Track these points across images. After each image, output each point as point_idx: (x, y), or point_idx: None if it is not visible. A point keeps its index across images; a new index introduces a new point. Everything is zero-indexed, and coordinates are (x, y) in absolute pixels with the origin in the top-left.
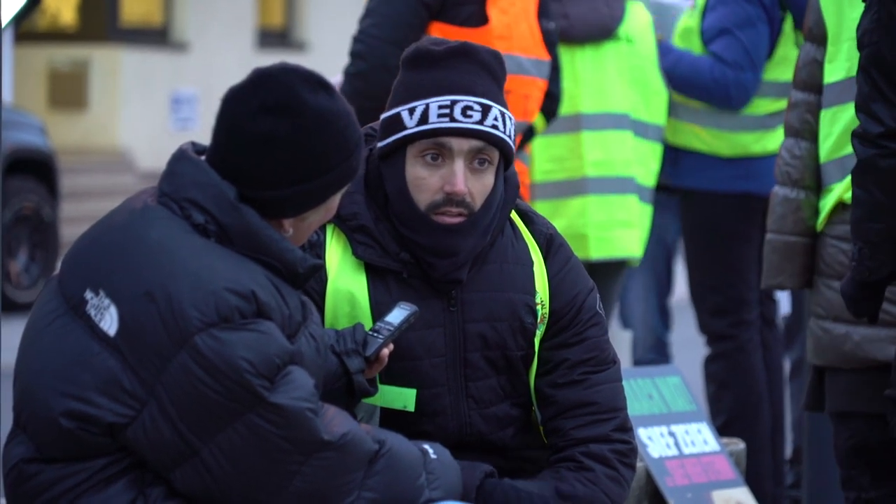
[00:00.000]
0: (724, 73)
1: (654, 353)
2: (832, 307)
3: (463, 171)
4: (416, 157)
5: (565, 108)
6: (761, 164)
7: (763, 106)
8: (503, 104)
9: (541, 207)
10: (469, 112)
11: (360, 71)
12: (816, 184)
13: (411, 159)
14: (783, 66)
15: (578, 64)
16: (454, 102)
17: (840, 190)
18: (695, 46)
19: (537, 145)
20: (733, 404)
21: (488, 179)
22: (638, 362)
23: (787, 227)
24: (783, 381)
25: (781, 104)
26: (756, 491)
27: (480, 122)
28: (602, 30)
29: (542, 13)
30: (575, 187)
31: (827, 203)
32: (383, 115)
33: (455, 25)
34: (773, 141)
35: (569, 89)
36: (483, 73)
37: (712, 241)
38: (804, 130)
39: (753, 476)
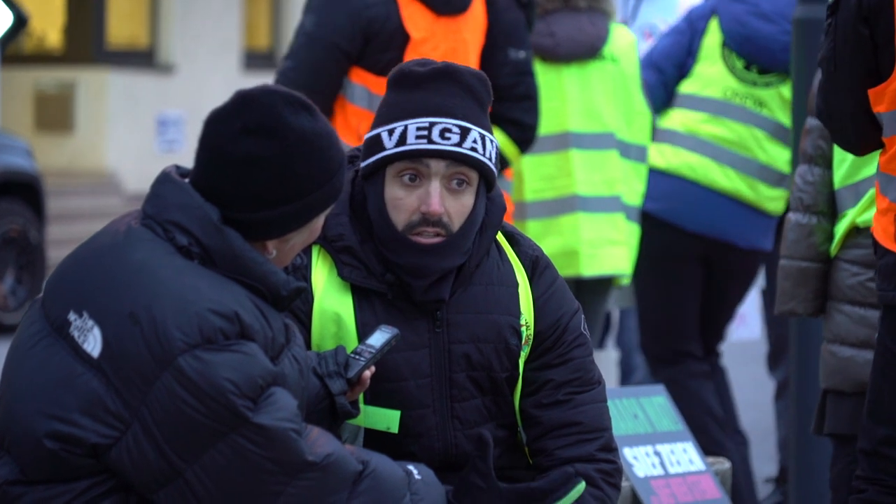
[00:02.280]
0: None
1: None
2: (840, 330)
3: (439, 191)
4: (395, 178)
5: (553, 127)
6: (654, 179)
7: (673, 119)
8: (485, 126)
9: (533, 226)
10: (447, 134)
11: None
12: (830, 209)
13: (390, 180)
14: (700, 81)
15: (565, 82)
16: (433, 124)
17: (853, 214)
18: None
19: (527, 165)
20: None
21: (467, 200)
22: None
23: (800, 253)
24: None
25: (693, 117)
26: None
27: (458, 145)
28: (588, 49)
29: (512, 42)
30: (566, 205)
31: (840, 228)
32: (366, 136)
33: (374, 73)
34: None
35: (556, 108)
36: (465, 95)
37: (646, 266)
38: (817, 156)
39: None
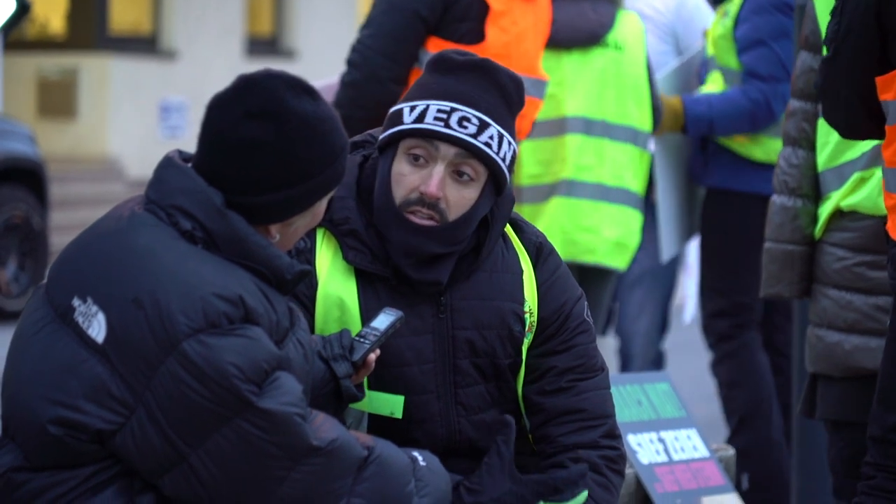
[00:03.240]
0: (759, 91)
1: (653, 366)
2: (826, 315)
3: (442, 176)
4: (405, 154)
5: (551, 112)
6: None
7: None
8: (507, 128)
9: (527, 211)
10: (465, 123)
11: (353, 80)
12: (814, 192)
13: (400, 154)
14: None
15: (565, 69)
16: (453, 110)
17: (837, 197)
18: (726, 53)
19: (525, 150)
20: (745, 402)
21: (469, 193)
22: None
23: (786, 236)
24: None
25: None
26: (781, 486)
27: (474, 136)
28: (589, 36)
29: None
30: (559, 190)
31: (824, 211)
32: (391, 109)
33: (452, 42)
34: None
35: (554, 93)
36: (495, 91)
37: (725, 242)
38: (801, 139)
39: (774, 470)
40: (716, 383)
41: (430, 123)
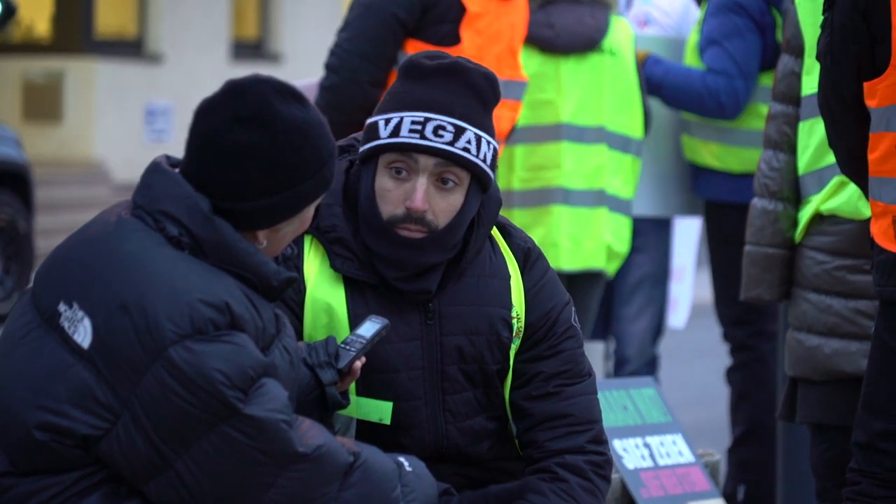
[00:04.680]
0: (715, 81)
1: (648, 370)
2: (806, 318)
3: (425, 188)
4: (385, 168)
5: (548, 118)
6: None
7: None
8: (484, 127)
9: (519, 215)
10: (441, 132)
11: (332, 84)
12: (795, 196)
13: (381, 169)
14: None
15: (563, 74)
16: (427, 120)
17: (818, 201)
18: (698, 59)
19: (518, 153)
20: (751, 416)
21: (454, 200)
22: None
23: (766, 239)
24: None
25: None
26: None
27: (451, 143)
28: (587, 41)
29: None
30: (550, 196)
31: (805, 214)
32: (368, 121)
33: (432, 44)
34: None
35: (552, 99)
36: (468, 93)
37: (731, 251)
38: (782, 142)
39: (772, 485)
40: (729, 391)
41: (405, 137)
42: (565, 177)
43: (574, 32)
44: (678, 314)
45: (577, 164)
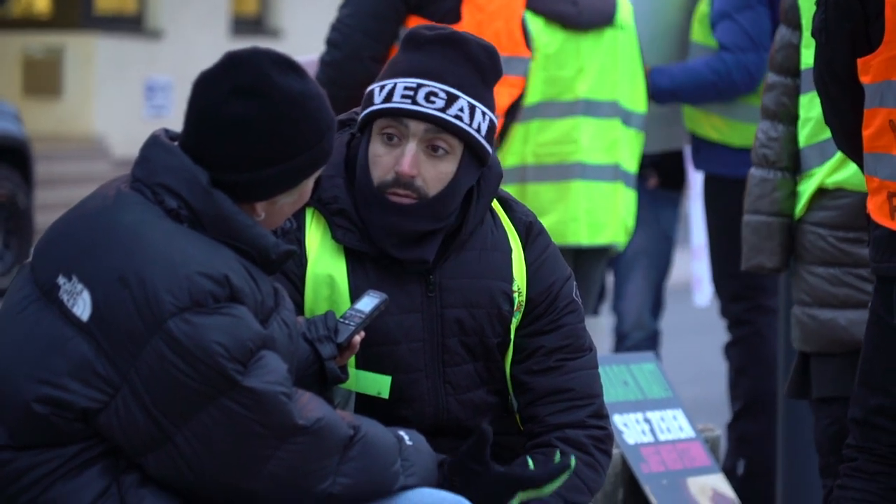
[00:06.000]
0: (721, 61)
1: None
2: (816, 293)
3: (414, 153)
4: (378, 135)
5: (566, 94)
6: None
7: None
8: (481, 98)
9: (533, 190)
10: (432, 98)
11: (334, 60)
12: (794, 165)
13: (374, 136)
14: None
15: (583, 51)
16: (420, 86)
17: (821, 175)
18: (706, 33)
19: (533, 128)
20: (749, 390)
21: (445, 167)
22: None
23: (765, 208)
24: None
25: None
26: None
27: (442, 110)
28: (606, 16)
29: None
30: (567, 172)
31: (807, 189)
32: (366, 90)
33: (433, 21)
34: None
35: (571, 76)
36: (465, 63)
37: (730, 226)
38: (781, 113)
39: (771, 461)
40: (727, 366)
41: (397, 102)
42: (583, 152)
43: (595, 8)
44: (703, 292)
45: (594, 139)
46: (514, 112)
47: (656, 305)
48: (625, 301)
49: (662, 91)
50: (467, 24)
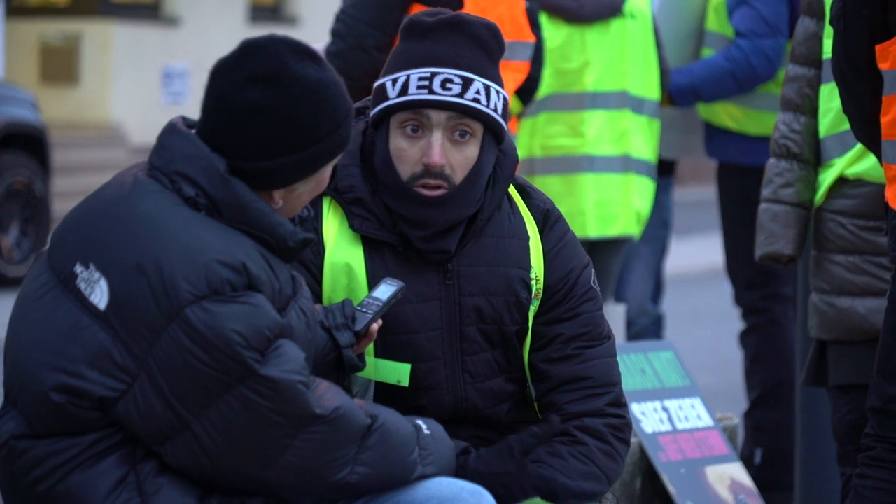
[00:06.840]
0: (739, 49)
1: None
2: (835, 281)
3: (440, 142)
4: (398, 129)
5: (573, 87)
6: None
7: None
8: (492, 77)
9: (541, 183)
10: (448, 85)
11: (339, 50)
12: (815, 158)
13: (394, 130)
14: None
15: (589, 43)
16: (434, 74)
17: (842, 165)
18: (723, 22)
19: (541, 121)
20: (766, 379)
21: (470, 152)
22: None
23: (785, 197)
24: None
25: None
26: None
27: (460, 95)
28: (611, 8)
29: None
30: (576, 164)
31: (827, 178)
32: (375, 84)
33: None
34: None
35: (578, 69)
36: (472, 44)
37: (744, 213)
38: (804, 105)
39: (788, 449)
40: (742, 354)
41: (414, 94)
42: (590, 144)
43: (598, 1)
44: None
45: (603, 131)
46: (534, 104)
47: (657, 291)
48: (628, 289)
49: (683, 88)
50: (470, 10)
